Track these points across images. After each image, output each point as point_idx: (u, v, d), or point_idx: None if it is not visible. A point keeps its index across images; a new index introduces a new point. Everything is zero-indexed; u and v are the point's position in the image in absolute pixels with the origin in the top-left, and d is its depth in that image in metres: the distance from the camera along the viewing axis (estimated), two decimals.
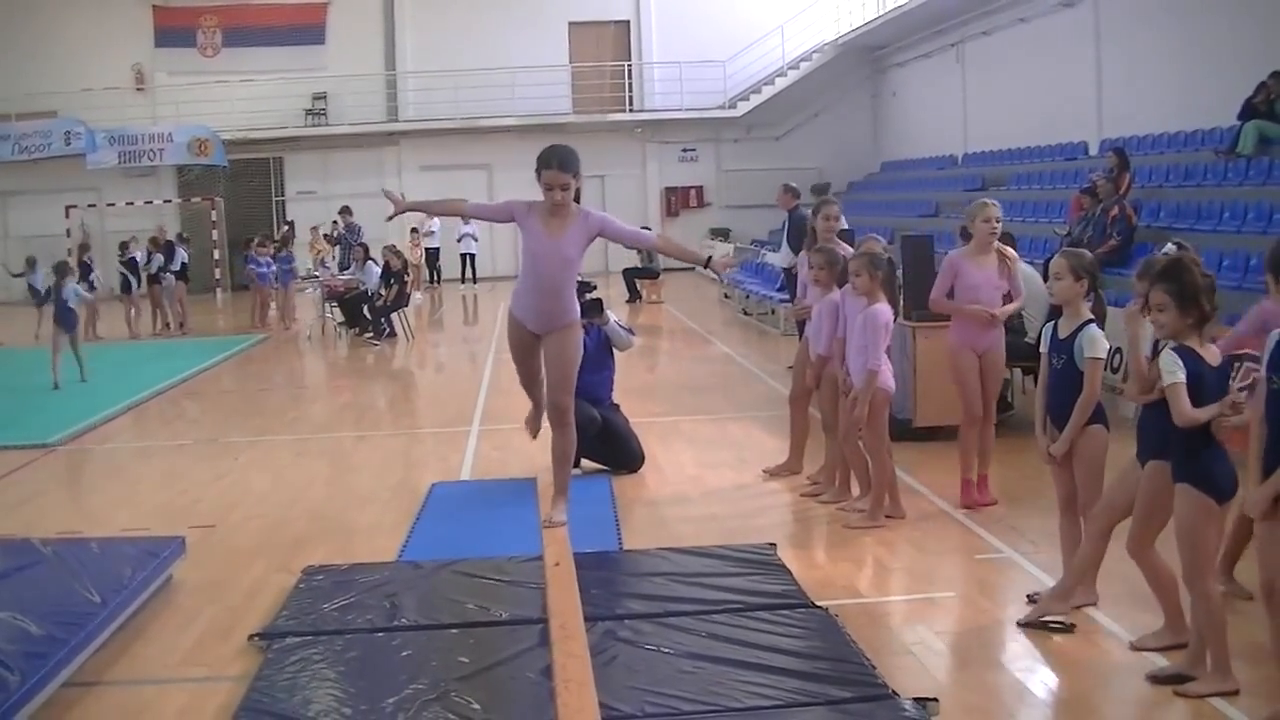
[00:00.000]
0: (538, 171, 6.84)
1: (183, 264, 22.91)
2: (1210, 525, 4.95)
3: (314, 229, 25.77)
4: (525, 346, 7.27)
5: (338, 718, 4.88)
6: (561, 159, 6.80)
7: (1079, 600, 5.97)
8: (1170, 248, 5.68)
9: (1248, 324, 5.85)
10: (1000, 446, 9.78)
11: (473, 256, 29.12)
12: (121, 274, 22.41)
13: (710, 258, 7.56)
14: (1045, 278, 10.64)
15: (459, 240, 29.00)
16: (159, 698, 5.38)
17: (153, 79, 31.78)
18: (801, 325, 9.29)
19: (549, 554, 6.67)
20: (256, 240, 23.00)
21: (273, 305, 22.81)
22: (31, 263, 22.75)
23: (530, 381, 7.51)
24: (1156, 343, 5.41)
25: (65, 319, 15.32)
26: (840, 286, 8.22)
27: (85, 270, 22.46)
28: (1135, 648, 5.43)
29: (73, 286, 15.80)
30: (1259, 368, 4.72)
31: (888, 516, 7.71)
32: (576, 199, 7.04)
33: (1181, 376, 4.86)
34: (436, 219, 29.18)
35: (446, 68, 30.81)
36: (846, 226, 10.59)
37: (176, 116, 30.89)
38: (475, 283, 28.68)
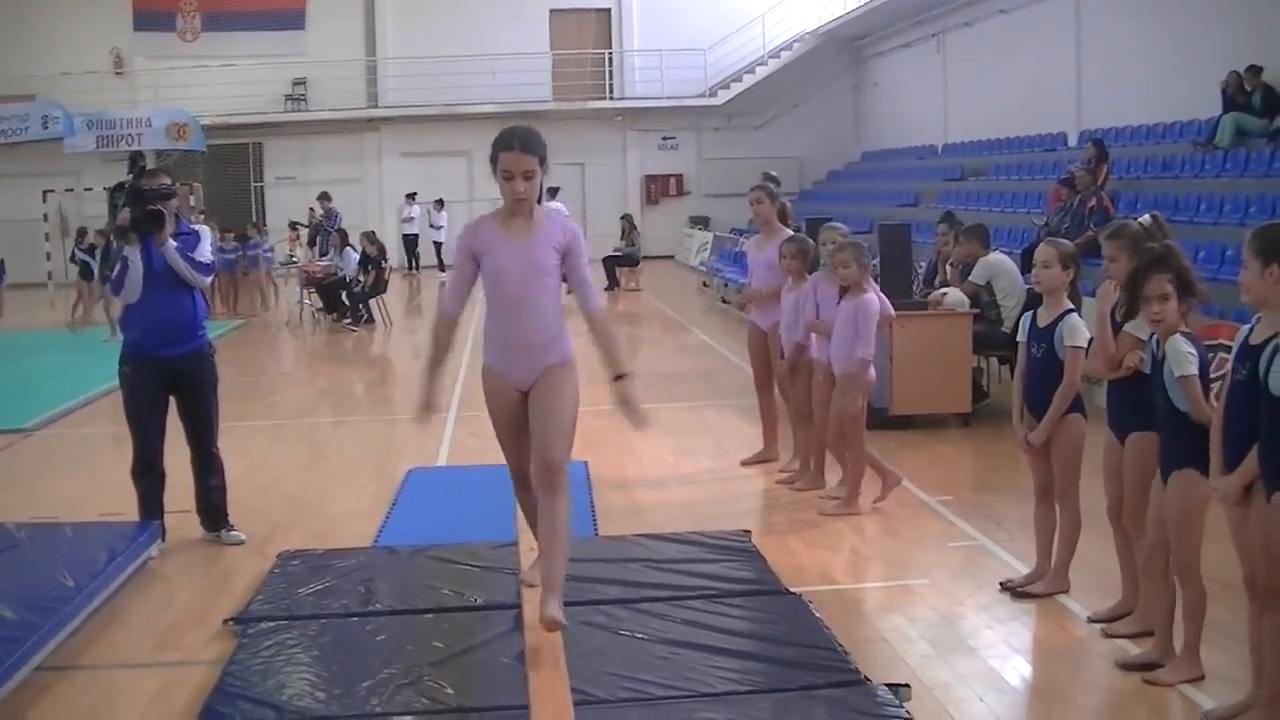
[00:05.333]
0: (493, 158, 5.11)
1: None
2: (1205, 510, 4.88)
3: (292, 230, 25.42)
4: (511, 411, 5.30)
5: (311, 701, 4.89)
6: (524, 140, 5.07)
7: (1052, 588, 6.02)
8: (1146, 219, 5.57)
9: None
10: (975, 435, 9.89)
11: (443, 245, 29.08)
12: (82, 261, 20.68)
13: (623, 377, 5.58)
14: (1023, 268, 10.71)
15: (433, 228, 29.08)
16: (134, 682, 5.38)
17: (131, 63, 31.54)
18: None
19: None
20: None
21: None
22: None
23: (522, 461, 5.34)
24: (1113, 314, 5.39)
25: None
26: (811, 274, 8.25)
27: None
28: (1108, 634, 5.48)
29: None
30: (1229, 358, 4.66)
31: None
32: (539, 197, 5.26)
33: (1195, 369, 4.76)
34: (416, 205, 29.17)
35: (427, 54, 30.64)
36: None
37: (155, 101, 30.66)
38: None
